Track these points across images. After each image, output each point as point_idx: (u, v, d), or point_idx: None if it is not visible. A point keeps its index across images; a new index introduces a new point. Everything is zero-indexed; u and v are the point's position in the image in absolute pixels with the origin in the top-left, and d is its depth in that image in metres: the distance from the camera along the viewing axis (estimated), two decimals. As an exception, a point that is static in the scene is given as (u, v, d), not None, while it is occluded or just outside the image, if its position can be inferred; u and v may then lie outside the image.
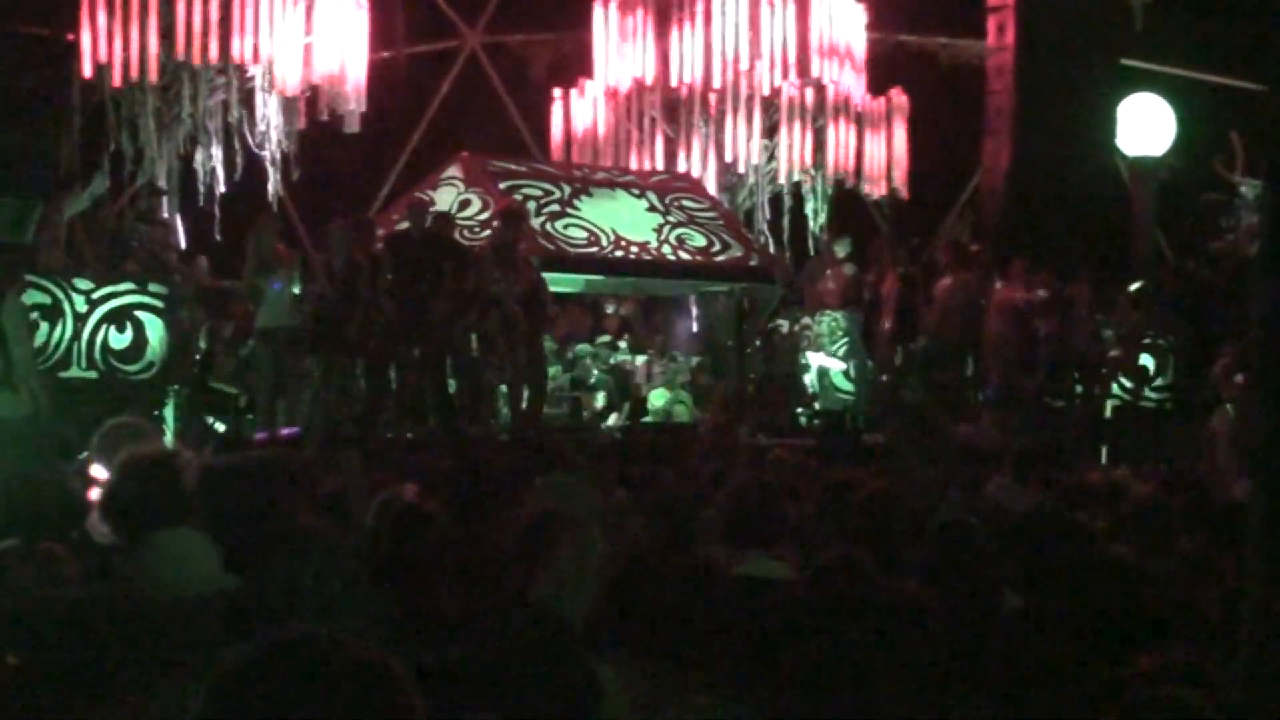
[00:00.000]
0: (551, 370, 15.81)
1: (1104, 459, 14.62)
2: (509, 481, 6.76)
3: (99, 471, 5.44)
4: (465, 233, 15.14)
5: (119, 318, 13.25)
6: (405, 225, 14.49)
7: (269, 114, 17.21)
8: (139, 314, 13.33)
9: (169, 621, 3.30)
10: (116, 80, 16.33)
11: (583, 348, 16.76)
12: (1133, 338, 16.82)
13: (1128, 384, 16.87)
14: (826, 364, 16.94)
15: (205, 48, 16.50)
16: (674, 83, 19.60)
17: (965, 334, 16.06)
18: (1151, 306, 17.23)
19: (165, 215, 16.25)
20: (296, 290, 13.38)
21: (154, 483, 4.44)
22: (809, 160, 19.50)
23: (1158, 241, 20.44)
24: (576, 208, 16.27)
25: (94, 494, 5.01)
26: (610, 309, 18.17)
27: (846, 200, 20.08)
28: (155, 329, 13.34)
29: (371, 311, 13.28)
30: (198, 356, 14.74)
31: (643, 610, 3.86)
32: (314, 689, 1.45)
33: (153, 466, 4.52)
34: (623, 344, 17.40)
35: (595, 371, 16.58)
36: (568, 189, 16.59)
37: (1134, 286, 17.35)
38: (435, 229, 14.00)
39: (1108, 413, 16.67)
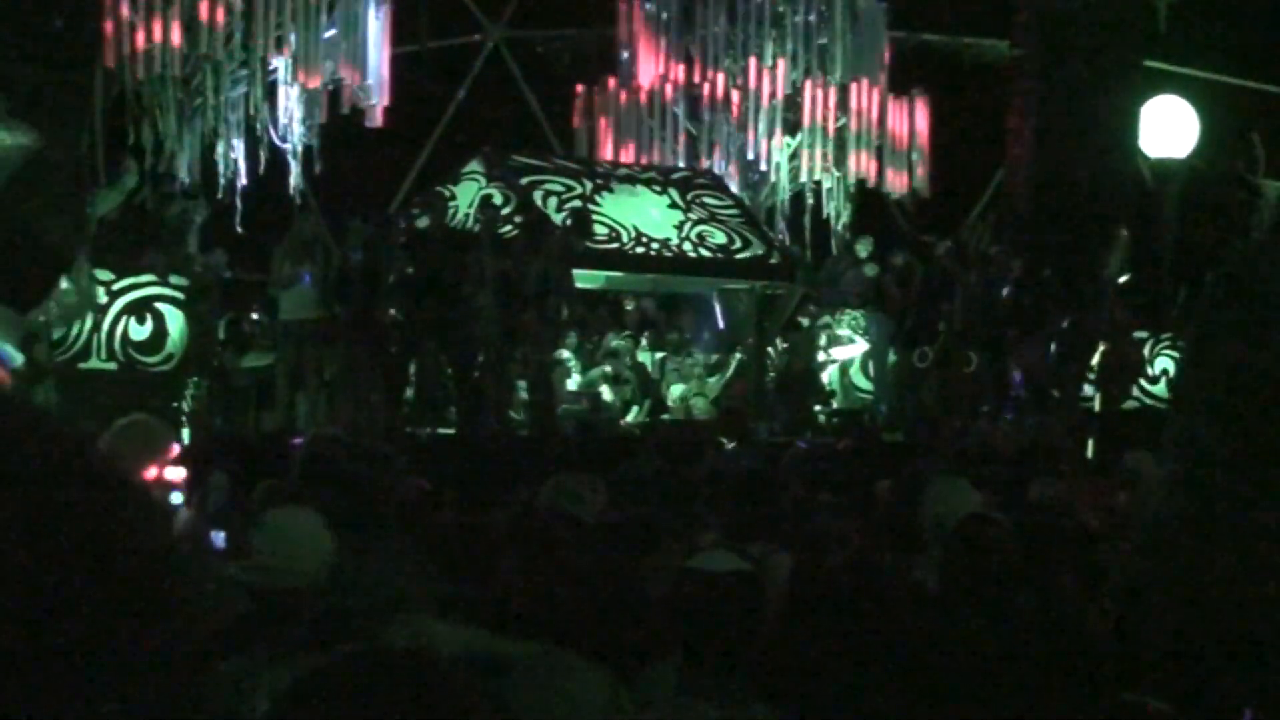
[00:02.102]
0: (573, 365, 15.82)
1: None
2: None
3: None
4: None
5: (139, 309, 13.24)
6: (425, 222, 14.48)
7: (291, 107, 17.18)
8: (159, 305, 13.32)
9: None
10: (139, 72, 16.30)
11: (617, 344, 16.72)
12: (1121, 334, 16.50)
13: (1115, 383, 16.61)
14: (847, 354, 16.91)
15: (228, 40, 16.47)
16: (697, 79, 19.57)
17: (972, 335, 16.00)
18: (1138, 302, 17.05)
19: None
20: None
21: None
22: (831, 159, 19.46)
23: (1181, 243, 20.32)
24: (598, 204, 16.22)
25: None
26: (630, 305, 18.12)
27: (868, 199, 20.03)
28: (175, 321, 13.33)
29: (395, 306, 13.27)
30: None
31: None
32: (388, 702, 1.39)
33: None
34: (643, 340, 17.36)
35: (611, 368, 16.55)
36: (589, 185, 16.55)
37: (1121, 280, 17.04)
38: (463, 223, 13.99)
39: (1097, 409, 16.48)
